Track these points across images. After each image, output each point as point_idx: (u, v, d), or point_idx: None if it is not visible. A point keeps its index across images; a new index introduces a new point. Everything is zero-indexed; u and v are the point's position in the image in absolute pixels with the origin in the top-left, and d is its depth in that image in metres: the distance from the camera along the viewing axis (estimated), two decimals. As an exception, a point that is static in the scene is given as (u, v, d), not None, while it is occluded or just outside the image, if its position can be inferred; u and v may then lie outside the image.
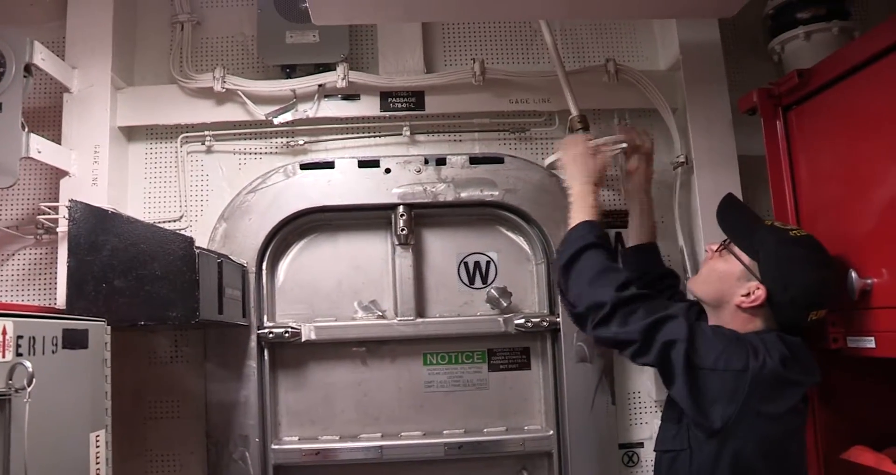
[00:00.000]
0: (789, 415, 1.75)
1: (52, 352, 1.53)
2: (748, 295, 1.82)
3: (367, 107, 2.73)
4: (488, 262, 2.79)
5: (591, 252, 1.94)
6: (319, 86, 2.69)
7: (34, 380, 1.36)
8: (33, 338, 1.44)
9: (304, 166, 2.69)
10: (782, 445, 1.76)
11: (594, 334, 1.88)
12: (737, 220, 1.99)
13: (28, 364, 1.35)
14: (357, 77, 2.68)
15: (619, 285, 1.84)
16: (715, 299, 1.92)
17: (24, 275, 2.66)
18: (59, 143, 2.51)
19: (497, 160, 2.73)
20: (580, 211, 2.08)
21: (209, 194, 2.74)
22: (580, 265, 1.93)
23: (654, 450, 1.97)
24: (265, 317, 2.66)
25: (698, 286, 1.99)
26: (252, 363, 2.57)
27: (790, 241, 1.84)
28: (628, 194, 2.48)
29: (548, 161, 2.53)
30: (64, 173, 2.51)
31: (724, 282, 1.88)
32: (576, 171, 2.17)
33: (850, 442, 2.15)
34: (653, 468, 1.99)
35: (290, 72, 2.72)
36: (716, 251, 1.95)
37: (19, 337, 1.39)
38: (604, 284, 1.86)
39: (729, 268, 1.88)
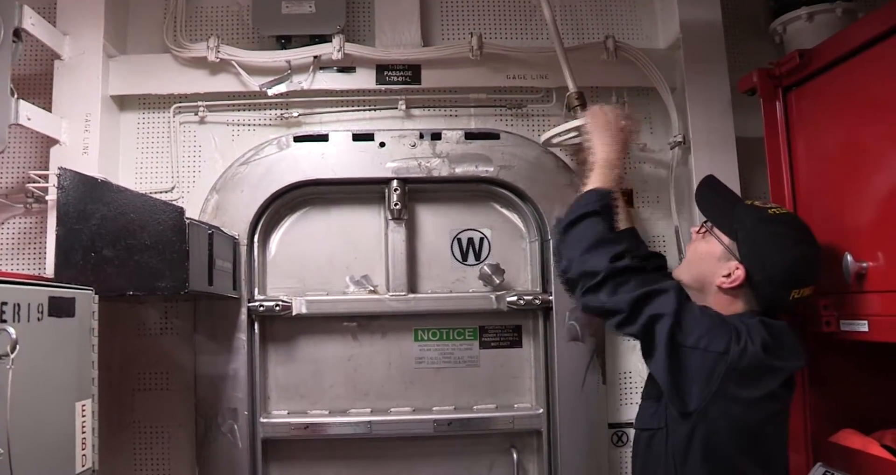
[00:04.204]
0: (765, 401, 1.73)
1: (38, 319, 1.51)
2: (729, 275, 1.81)
3: (363, 79, 2.70)
4: (482, 239, 2.78)
5: (593, 220, 1.94)
6: (315, 57, 2.66)
7: (18, 347, 1.34)
8: (18, 304, 1.43)
9: (297, 139, 2.67)
10: (756, 430, 1.75)
11: (583, 301, 1.88)
12: (715, 201, 1.98)
13: (11, 330, 1.34)
14: (353, 49, 2.65)
15: (614, 255, 1.84)
16: (698, 281, 1.90)
17: (14, 244, 2.63)
18: (50, 111, 2.47)
19: (493, 136, 2.71)
20: (599, 178, 2.07)
21: (201, 165, 2.71)
22: (579, 231, 1.93)
23: (634, 428, 1.98)
24: (256, 290, 2.65)
25: (682, 271, 1.98)
26: (242, 336, 2.56)
27: (768, 220, 1.83)
28: None
29: (545, 136, 2.51)
30: (54, 141, 2.48)
31: (706, 262, 1.87)
32: (607, 138, 2.16)
33: (838, 425, 2.16)
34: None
35: (285, 42, 2.69)
36: (698, 233, 1.95)
37: (3, 303, 1.38)
38: (599, 253, 1.86)
39: (710, 249, 1.87)
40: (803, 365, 1.82)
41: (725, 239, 1.84)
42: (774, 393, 1.74)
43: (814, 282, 1.83)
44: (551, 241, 2.04)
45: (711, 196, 2.02)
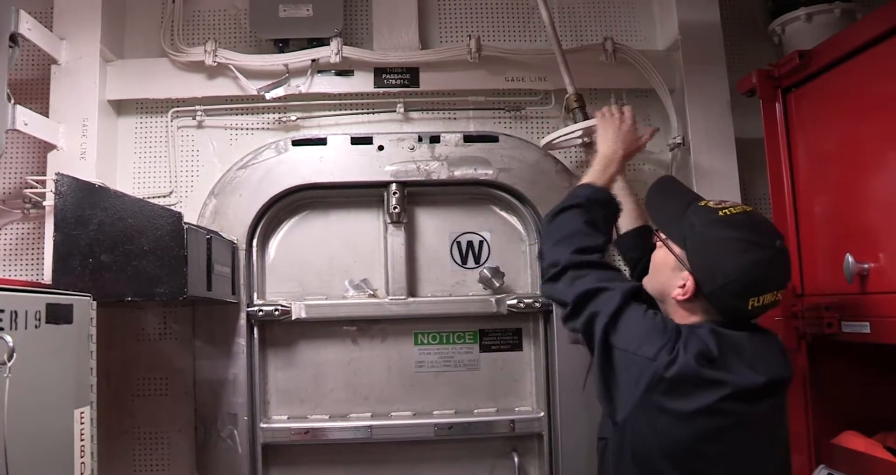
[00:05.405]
0: (703, 416, 1.57)
1: (35, 326, 1.50)
2: (683, 286, 1.69)
3: (361, 83, 2.69)
4: (481, 242, 2.77)
5: (573, 212, 1.88)
6: (312, 61, 2.65)
7: (15, 355, 1.33)
8: (15, 312, 1.41)
9: (296, 142, 2.66)
10: (693, 447, 1.60)
11: (542, 289, 1.87)
12: (666, 206, 1.86)
13: (8, 338, 1.33)
14: (351, 52, 2.65)
15: (578, 248, 1.79)
16: (658, 293, 1.80)
17: (12, 250, 2.62)
18: (47, 116, 2.47)
19: (491, 139, 2.70)
20: (595, 173, 2.02)
21: (199, 170, 2.71)
22: (558, 221, 1.89)
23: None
24: (255, 295, 2.64)
25: (647, 281, 1.86)
26: (241, 341, 2.55)
27: (717, 222, 1.67)
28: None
29: (545, 140, 2.50)
30: (52, 147, 2.47)
31: (662, 273, 1.77)
32: (615, 138, 2.11)
33: (840, 427, 2.14)
34: None
35: (282, 46, 2.68)
36: (655, 240, 1.84)
37: (0, 311, 1.36)
38: (567, 245, 1.81)
39: (664, 259, 1.76)
40: (764, 381, 1.60)
41: (676, 248, 1.72)
42: (715, 408, 1.57)
43: (775, 288, 1.65)
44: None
45: (663, 199, 1.91)
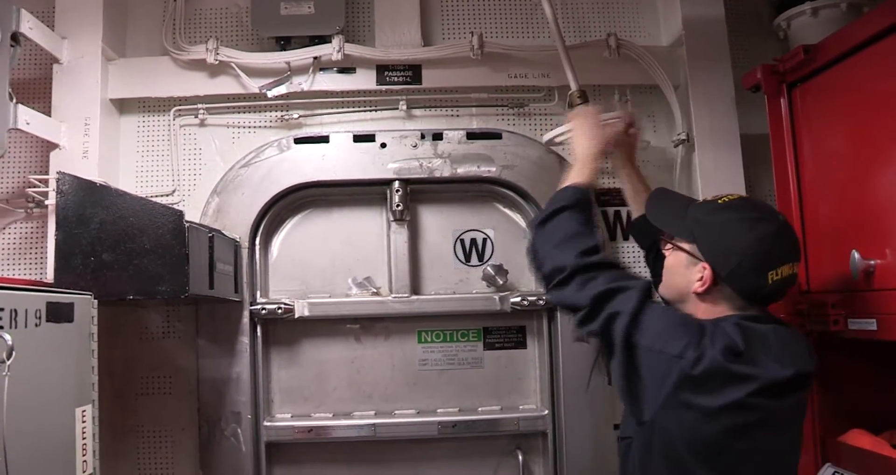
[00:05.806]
0: (731, 411, 1.56)
1: (36, 325, 1.50)
2: (701, 278, 1.70)
3: (363, 80, 2.69)
4: (484, 239, 2.76)
5: (567, 214, 1.87)
6: (314, 58, 2.65)
7: (14, 353, 1.33)
8: (15, 310, 1.41)
9: (298, 140, 2.66)
10: (719, 443, 1.59)
11: (550, 296, 1.83)
12: (667, 210, 1.89)
13: (7, 336, 1.32)
14: (353, 50, 2.64)
15: (582, 251, 1.77)
16: (677, 295, 1.81)
17: (16, 249, 2.63)
18: (49, 115, 2.47)
19: (494, 136, 2.70)
20: (575, 174, 2.00)
21: (202, 168, 2.71)
22: (552, 226, 1.87)
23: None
24: (258, 293, 2.64)
25: (663, 289, 1.88)
26: (244, 339, 2.55)
27: (718, 209, 1.73)
28: (616, 167, 2.41)
29: (546, 137, 2.48)
30: (54, 146, 2.48)
31: (677, 274, 1.78)
32: (583, 137, 2.10)
33: (847, 425, 2.13)
34: None
35: (284, 44, 2.68)
36: (664, 249, 1.86)
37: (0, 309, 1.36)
38: (569, 248, 1.79)
39: (677, 259, 1.78)
40: (791, 374, 1.59)
41: (686, 244, 1.75)
42: (742, 403, 1.56)
43: (790, 260, 1.67)
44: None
45: (662, 206, 1.93)
